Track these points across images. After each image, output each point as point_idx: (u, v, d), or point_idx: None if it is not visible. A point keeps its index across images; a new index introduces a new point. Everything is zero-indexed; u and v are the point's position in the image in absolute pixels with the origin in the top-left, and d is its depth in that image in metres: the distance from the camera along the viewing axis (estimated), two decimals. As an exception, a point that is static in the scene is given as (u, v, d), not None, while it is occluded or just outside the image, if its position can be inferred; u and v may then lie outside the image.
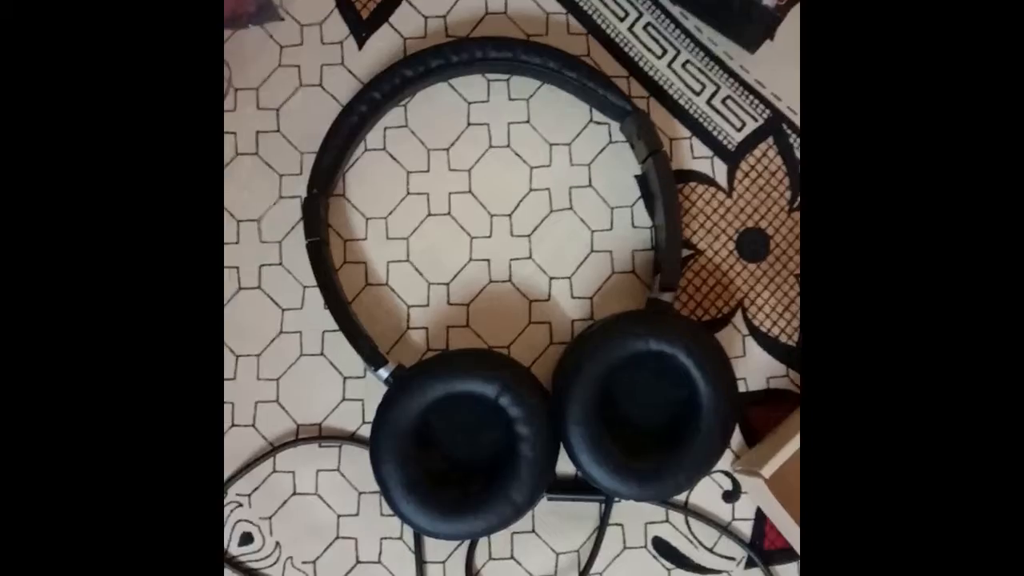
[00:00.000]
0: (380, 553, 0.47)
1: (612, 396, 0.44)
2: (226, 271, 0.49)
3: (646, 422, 0.45)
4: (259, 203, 0.50)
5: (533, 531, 0.47)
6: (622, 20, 0.52)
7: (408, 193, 0.50)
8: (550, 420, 0.44)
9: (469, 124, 0.50)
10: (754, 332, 0.49)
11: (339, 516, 0.48)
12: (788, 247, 0.50)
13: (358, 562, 0.47)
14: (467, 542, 0.47)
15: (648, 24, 0.52)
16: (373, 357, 0.45)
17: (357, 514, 0.48)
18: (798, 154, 0.50)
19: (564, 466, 0.45)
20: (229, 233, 0.49)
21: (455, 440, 0.44)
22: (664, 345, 0.43)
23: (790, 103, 0.51)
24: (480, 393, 0.43)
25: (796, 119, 0.51)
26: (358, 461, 0.48)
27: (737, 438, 0.48)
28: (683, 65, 0.51)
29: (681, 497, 0.48)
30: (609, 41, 0.51)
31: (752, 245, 0.50)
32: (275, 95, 0.51)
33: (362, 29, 0.51)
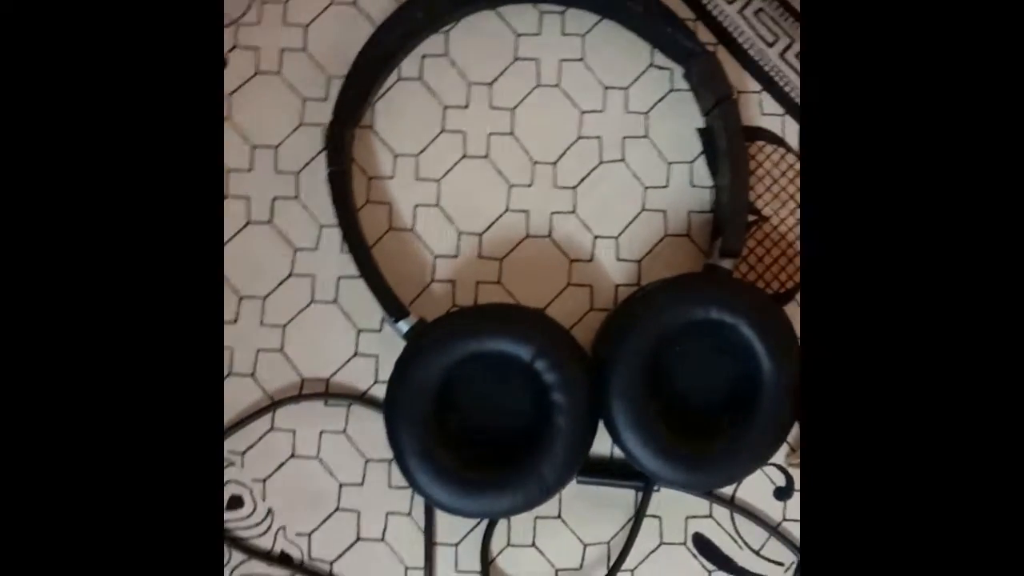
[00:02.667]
0: (385, 530, 0.42)
1: (662, 368, 0.39)
2: (235, 201, 0.44)
3: (698, 401, 0.39)
4: (278, 129, 0.44)
5: (559, 516, 0.42)
6: (693, -42, 0.46)
7: (443, 130, 0.45)
8: (591, 391, 0.38)
9: (516, 58, 0.45)
10: (820, 312, 0.44)
11: (341, 485, 0.42)
12: (863, 221, 0.44)
13: (359, 538, 0.42)
14: (484, 523, 0.42)
15: (722, -36, 0.46)
16: (394, 307, 0.40)
17: (362, 484, 0.42)
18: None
19: (597, 447, 0.40)
20: (241, 159, 0.44)
21: (481, 406, 0.39)
22: (727, 314, 0.38)
23: (875, 62, 0.46)
24: (513, 354, 0.38)
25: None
26: (367, 424, 0.42)
27: (794, 430, 0.43)
28: (756, 13, 0.46)
29: (728, 490, 0.43)
30: (678, -22, 0.46)
31: (823, 216, 0.45)
32: (304, 10, 0.45)
33: (404, -54, 0.46)
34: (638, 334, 0.38)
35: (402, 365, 0.38)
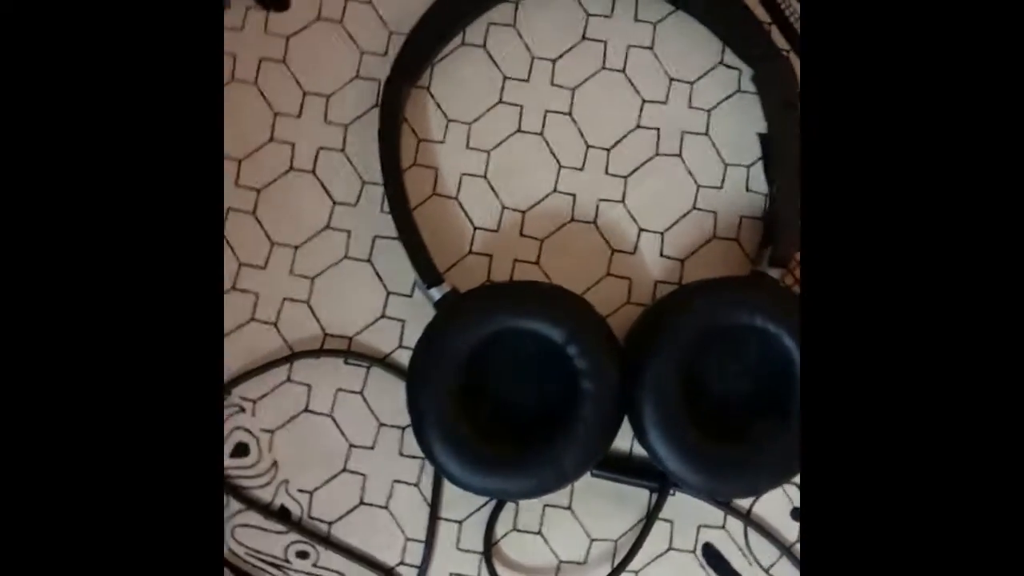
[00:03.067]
0: (390, 497, 0.41)
1: (696, 369, 0.38)
2: (279, 146, 0.43)
3: (730, 407, 0.38)
4: (332, 78, 0.43)
5: (569, 508, 0.41)
6: (776, -40, 0.45)
7: (500, 101, 0.44)
8: (621, 382, 0.37)
9: (584, 38, 0.44)
10: (861, 335, 0.43)
11: (351, 446, 0.41)
12: (916, 249, 0.43)
13: (362, 502, 0.41)
14: (493, 503, 0.41)
15: (804, -30, 0.45)
16: (429, 273, 0.39)
17: (372, 448, 0.41)
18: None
19: (618, 443, 0.39)
20: (292, 105, 0.43)
21: (507, 384, 0.38)
22: (771, 322, 0.37)
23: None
24: (546, 335, 0.37)
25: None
26: (386, 388, 0.41)
27: (818, 451, 0.42)
28: (833, 24, 0.45)
29: (744, 503, 0.41)
30: (758, -22, 0.45)
31: (875, 238, 0.44)
32: (374, -39, 0.44)
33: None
34: (676, 331, 0.37)
35: (432, 331, 0.37)
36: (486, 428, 0.37)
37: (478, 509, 0.41)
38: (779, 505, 0.41)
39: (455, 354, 0.37)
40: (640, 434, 0.37)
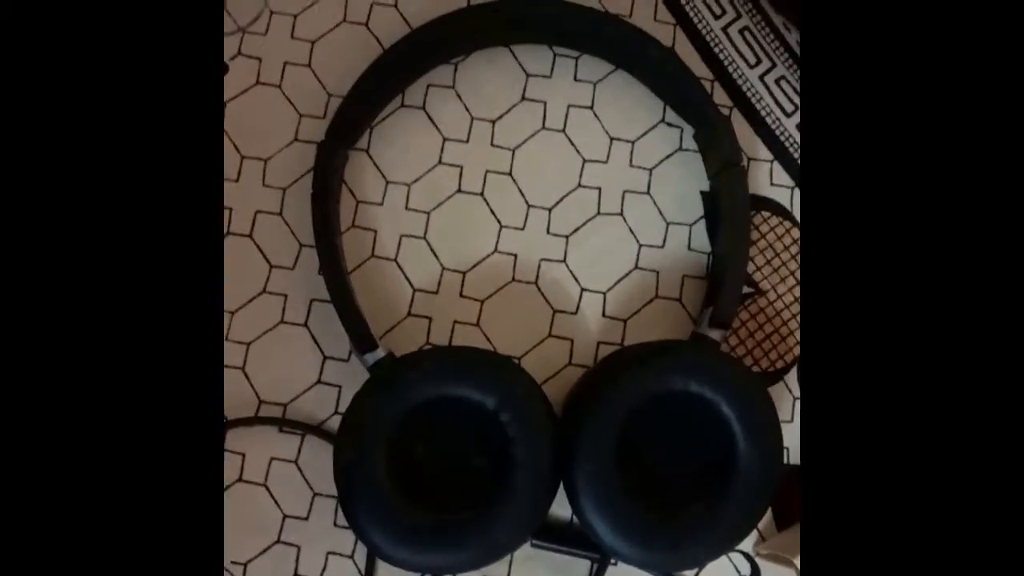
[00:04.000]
0: (324, 570, 0.40)
1: (632, 438, 0.36)
2: (216, 210, 0.43)
3: (667, 476, 0.37)
4: (270, 142, 0.43)
5: (508, 579, 0.40)
6: (717, 18, 0.45)
7: (440, 162, 0.43)
8: (555, 450, 0.36)
9: (524, 98, 0.44)
10: (808, 396, 0.42)
11: (285, 516, 0.40)
12: (863, 306, 0.42)
13: (296, 575, 0.40)
14: (429, 576, 0.39)
15: (745, 28, 0.45)
16: (362, 338, 0.38)
17: (307, 518, 0.40)
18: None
19: (557, 509, 0.38)
20: (230, 169, 0.43)
21: (439, 453, 0.37)
22: (707, 388, 0.36)
23: (892, 144, 0.44)
24: (478, 401, 0.36)
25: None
26: (320, 457, 0.40)
27: (766, 516, 0.41)
28: (777, 81, 0.45)
29: (689, 574, 0.40)
30: (698, 36, 0.45)
31: (822, 296, 0.43)
32: (314, 25, 0.44)
33: (425, -27, 0.45)
34: (611, 398, 0.36)
35: (359, 399, 0.36)
36: (416, 500, 0.36)
37: (415, 582, 0.40)
38: (725, 574, 0.40)
39: (383, 424, 0.36)
40: (574, 504, 0.36)
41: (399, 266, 0.42)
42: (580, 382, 0.39)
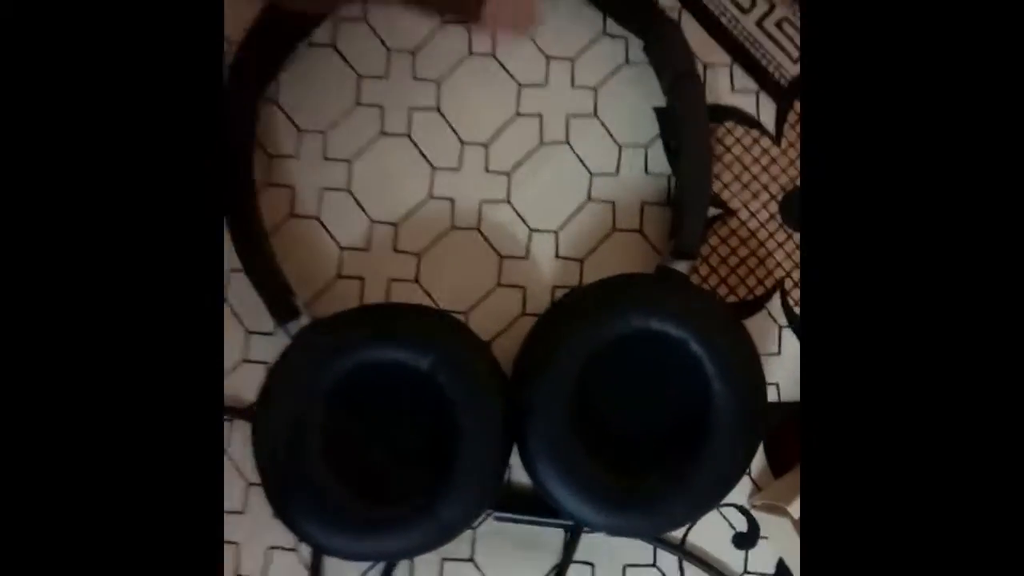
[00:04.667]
0: (267, 567, 0.36)
1: (592, 389, 0.32)
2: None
3: (636, 429, 0.32)
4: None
5: (471, 559, 0.35)
6: (657, -90, 0.40)
7: (358, 104, 0.38)
8: (505, 412, 0.32)
9: (444, 23, 0.39)
10: (796, 324, 0.37)
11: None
12: (849, 218, 0.38)
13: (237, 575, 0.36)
14: (381, 564, 0.35)
15: (690, -82, 0.40)
16: (281, 306, 0.34)
17: (243, 512, 0.36)
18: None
19: (522, 475, 0.33)
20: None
21: (370, 427, 0.32)
22: (671, 325, 0.32)
23: (868, 32, 0.39)
24: (411, 365, 0.32)
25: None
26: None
27: (760, 463, 0.36)
28: (731, -25, 0.39)
29: (677, 533, 0.36)
30: (637, -68, 0.40)
31: (801, 210, 0.38)
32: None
33: None
34: (565, 346, 0.32)
35: (275, 374, 0.32)
36: (350, 482, 0.31)
37: (367, 571, 0.35)
38: (718, 532, 0.36)
39: (303, 400, 0.31)
40: (531, 472, 0.32)
41: (323, 224, 0.38)
42: (530, 333, 0.34)
